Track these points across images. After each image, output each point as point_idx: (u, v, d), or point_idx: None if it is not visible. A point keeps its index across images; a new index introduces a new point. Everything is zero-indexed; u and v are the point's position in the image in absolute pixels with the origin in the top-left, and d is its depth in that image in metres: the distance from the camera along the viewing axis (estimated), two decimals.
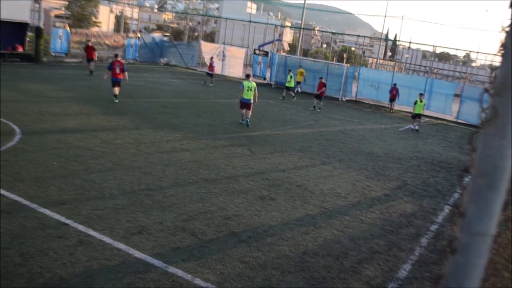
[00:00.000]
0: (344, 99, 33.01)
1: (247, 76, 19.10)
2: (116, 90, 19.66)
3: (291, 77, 29.73)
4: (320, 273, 7.02)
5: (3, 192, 8.50)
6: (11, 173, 9.50)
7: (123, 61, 21.39)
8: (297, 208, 9.72)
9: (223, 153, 13.47)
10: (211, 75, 31.34)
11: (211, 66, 31.59)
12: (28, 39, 31.27)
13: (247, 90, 17.81)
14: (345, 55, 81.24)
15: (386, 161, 15.33)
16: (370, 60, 73.01)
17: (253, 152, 14.02)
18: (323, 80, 26.23)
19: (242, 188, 10.57)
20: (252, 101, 17.97)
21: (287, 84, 29.64)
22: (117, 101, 19.55)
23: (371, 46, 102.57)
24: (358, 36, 62.50)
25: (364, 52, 79.58)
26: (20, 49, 30.22)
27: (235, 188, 10.50)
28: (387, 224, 9.55)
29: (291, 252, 7.60)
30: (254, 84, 18.22)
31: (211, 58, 33.00)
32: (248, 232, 8.16)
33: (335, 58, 68.33)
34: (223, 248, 7.43)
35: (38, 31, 30.75)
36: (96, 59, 29.39)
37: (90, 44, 29.84)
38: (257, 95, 18.22)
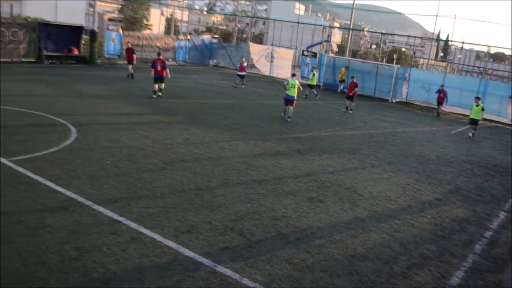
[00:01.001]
0: (394, 101, 32.43)
1: (293, 75, 20.54)
2: (156, 86, 21.16)
3: (313, 75, 29.61)
4: (369, 277, 6.93)
5: (60, 189, 8.83)
6: (68, 171, 9.86)
7: (164, 59, 22.54)
8: (345, 211, 9.63)
9: (271, 154, 13.50)
10: (242, 77, 29.93)
11: (241, 67, 30.05)
12: (83, 42, 32.29)
13: (291, 87, 19.09)
14: (395, 56, 79.80)
15: (438, 164, 14.95)
16: (421, 61, 71.43)
17: (301, 154, 13.98)
18: (355, 80, 25.02)
19: (290, 189, 10.56)
20: (295, 97, 19.26)
21: (309, 82, 29.55)
22: (154, 96, 21.11)
23: (422, 46, 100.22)
24: (409, 36, 61.22)
25: (415, 53, 77.81)
26: (76, 52, 31.26)
27: (283, 189, 10.50)
28: (438, 229, 9.32)
29: (339, 255, 7.54)
30: (297, 82, 19.37)
31: (241, 58, 31.85)
32: (296, 234, 8.15)
33: (384, 59, 67.17)
34: (271, 249, 7.45)
35: (92, 34, 31.75)
36: (135, 61, 28.13)
37: (129, 46, 28.96)
38: (300, 89, 19.54)
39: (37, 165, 10.01)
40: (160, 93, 21.34)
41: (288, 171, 11.96)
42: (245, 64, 30.29)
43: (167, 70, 21.58)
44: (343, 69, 33.16)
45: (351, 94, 24.58)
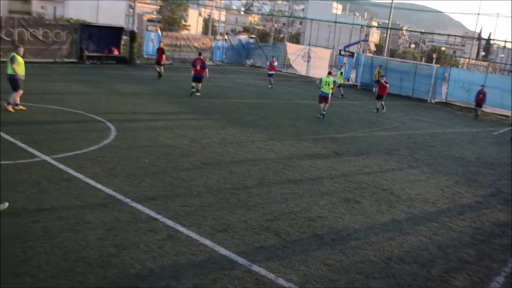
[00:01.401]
0: (433, 101, 31.80)
1: (329, 73, 20.69)
2: (194, 84, 21.72)
3: (341, 73, 29.32)
4: (406, 280, 6.83)
5: (99, 186, 9.04)
6: (107, 169, 10.09)
7: (204, 58, 22.92)
8: (382, 213, 9.51)
9: (307, 154, 13.46)
10: (271, 76, 29.01)
11: (271, 66, 29.27)
12: (123, 42, 32.90)
13: (325, 85, 19.36)
14: (434, 55, 78.28)
15: (478, 166, 14.60)
16: (462, 60, 69.79)
17: (338, 154, 13.89)
18: (385, 80, 24.05)
19: (326, 190, 10.51)
20: (329, 95, 19.49)
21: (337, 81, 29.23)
22: (198, 94, 21.73)
23: (463, 45, 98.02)
24: (449, 35, 60.00)
25: (455, 52, 76.11)
26: (116, 52, 31.89)
27: (319, 189, 10.46)
28: (478, 233, 9.10)
29: (375, 257, 7.46)
30: (332, 79, 19.68)
31: (272, 57, 31.12)
32: (331, 235, 8.11)
33: (423, 59, 66.03)
34: (307, 249, 7.44)
35: (132, 35, 32.32)
36: (163, 62, 27.29)
37: (161, 45, 28.38)
38: (335, 85, 20.26)
39: (78, 162, 10.28)
40: (198, 93, 21.69)
41: (324, 172, 11.90)
42: (275, 63, 29.78)
43: (206, 69, 21.94)
44: (378, 69, 32.44)
45: (381, 94, 23.75)
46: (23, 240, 6.66)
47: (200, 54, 23.05)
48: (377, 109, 23.79)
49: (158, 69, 26.82)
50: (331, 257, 7.25)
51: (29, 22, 27.88)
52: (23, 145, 11.07)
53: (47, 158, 10.38)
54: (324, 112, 19.68)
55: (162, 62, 26.89)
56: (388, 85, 23.90)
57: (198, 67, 21.59)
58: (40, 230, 7.01)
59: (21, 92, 14.69)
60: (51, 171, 9.63)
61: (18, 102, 14.69)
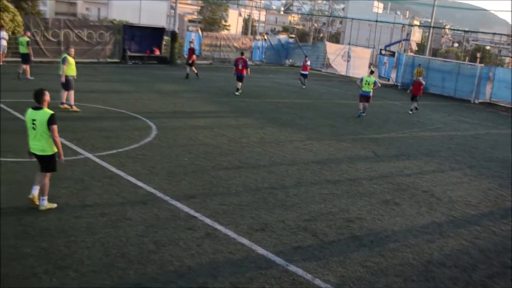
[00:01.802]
0: (476, 102, 30.95)
1: (371, 72, 20.67)
2: (239, 84, 22.11)
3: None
4: (446, 284, 6.71)
5: (140, 184, 9.24)
6: (148, 167, 10.29)
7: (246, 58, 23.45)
8: (422, 215, 9.35)
9: (346, 154, 13.36)
10: (305, 76, 28.37)
11: (304, 66, 28.38)
12: (164, 42, 33.40)
13: (365, 84, 19.42)
14: (478, 55, 76.22)
15: None
16: (507, 59, 67.69)
17: (377, 155, 13.72)
18: (420, 79, 23.09)
19: (365, 191, 10.41)
20: (371, 94, 19.54)
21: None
22: (237, 93, 22.04)
23: (508, 44, 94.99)
24: (494, 34, 58.22)
25: (500, 51, 73.95)
26: (157, 52, 32.41)
27: (358, 190, 10.37)
28: None
29: (414, 260, 7.35)
30: (374, 79, 19.64)
31: (305, 57, 30.01)
32: (370, 236, 8.03)
33: (467, 58, 64.41)
34: (344, 250, 7.39)
35: (173, 35, 32.79)
36: (191, 61, 26.41)
37: (191, 46, 27.87)
38: (375, 86, 19.59)
39: (120, 160, 10.53)
40: (237, 92, 22.02)
41: (363, 173, 11.79)
42: (308, 63, 28.76)
43: (248, 69, 22.45)
44: (417, 69, 31.43)
45: (416, 94, 22.49)
46: (67, 235, 6.88)
47: (242, 53, 23.42)
48: (412, 109, 22.80)
49: (191, 70, 26.40)
50: (369, 259, 7.19)
51: (75, 24, 28.69)
52: (67, 143, 11.41)
53: (90, 155, 10.67)
54: (364, 111, 19.73)
55: (190, 61, 26.52)
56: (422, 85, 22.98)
57: (240, 67, 22.03)
58: (83, 226, 7.22)
59: (72, 92, 15.07)
60: (94, 168, 9.90)
61: (64, 101, 15.16)
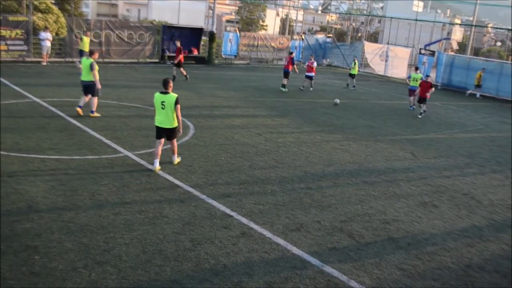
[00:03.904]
0: None
1: (416, 68, 23.76)
2: (285, 80, 23.56)
3: (355, 63, 28.51)
4: None
5: (177, 182, 9.36)
6: (185, 166, 10.42)
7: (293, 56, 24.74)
8: (461, 218, 9.15)
9: (383, 155, 13.19)
10: (310, 78, 25.34)
11: (309, 67, 25.46)
12: (202, 43, 33.70)
13: (413, 80, 21.96)
14: None
15: None
16: None
17: (415, 156, 13.49)
18: (429, 80, 21.12)
19: (402, 192, 10.26)
20: (417, 88, 21.06)
21: (351, 72, 28.53)
22: (284, 90, 23.47)
23: None
24: None
25: None
26: (195, 52, 32.73)
27: (395, 192, 10.23)
28: None
29: (453, 264, 7.20)
30: (420, 75, 22.09)
31: (310, 56, 27.48)
32: (407, 239, 7.91)
33: (510, 57, 62.44)
34: (381, 252, 7.31)
35: (211, 35, 33.04)
36: (176, 62, 23.40)
37: (178, 45, 23.92)
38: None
39: None
40: (282, 88, 23.53)
41: (400, 174, 11.62)
42: (314, 64, 25.60)
43: (294, 66, 24.24)
44: (479, 72, 30.39)
45: (424, 96, 20.50)
46: (106, 231, 7.04)
47: (290, 53, 25.38)
48: (421, 113, 20.48)
49: (178, 71, 23.52)
50: (406, 261, 7.08)
51: (115, 24, 29.26)
52: (107, 141, 11.68)
53: (129, 153, 10.88)
54: (414, 106, 21.46)
55: (176, 62, 23.55)
56: (433, 89, 20.77)
57: (285, 62, 24.14)
58: (121, 223, 7.37)
59: (96, 99, 14.16)
60: (132, 166, 10.09)
61: (82, 105, 14.15)
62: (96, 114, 14.15)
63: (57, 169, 9.51)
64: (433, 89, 20.73)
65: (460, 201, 10.11)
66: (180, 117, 9.90)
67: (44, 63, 24.94)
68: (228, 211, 8.25)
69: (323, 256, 6.97)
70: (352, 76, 28.40)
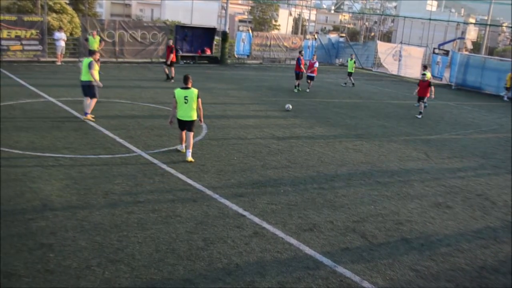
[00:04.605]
0: None
1: (425, 67, 22.73)
2: (297, 82, 23.62)
3: (351, 60, 28.40)
4: None
5: (190, 181, 9.40)
6: (198, 165, 10.46)
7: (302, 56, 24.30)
8: (476, 219, 9.07)
9: (397, 155, 13.12)
10: (312, 79, 24.29)
11: (311, 66, 24.33)
12: (215, 42, 33.77)
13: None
14: None
15: None
16: None
17: (429, 156, 13.40)
18: (426, 78, 20.26)
19: (416, 193, 10.20)
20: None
21: (348, 70, 28.32)
22: (296, 91, 23.32)
23: None
24: None
25: None
26: (208, 52, 32.80)
27: (408, 192, 10.17)
28: None
29: (467, 265, 7.14)
30: (429, 75, 22.03)
31: (313, 55, 26.60)
32: (420, 240, 7.86)
33: None
34: (394, 253, 7.27)
35: (224, 35, 33.09)
36: (169, 62, 22.89)
37: (170, 43, 23.94)
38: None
39: (171, 158, 10.75)
40: (296, 89, 23.45)
41: (414, 174, 11.55)
42: (316, 64, 24.36)
43: (302, 66, 23.72)
44: (509, 74, 29.49)
45: (423, 95, 19.87)
46: (119, 230, 7.09)
47: (300, 52, 24.72)
48: (420, 113, 19.81)
49: (170, 70, 23.10)
50: (419, 262, 7.04)
51: (129, 25, 29.44)
52: (121, 141, 11.75)
53: (142, 153, 10.94)
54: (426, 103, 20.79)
55: (168, 62, 22.97)
56: (432, 87, 19.95)
57: (297, 64, 23.70)
58: (134, 221, 7.42)
59: (95, 100, 13.60)
60: (145, 165, 10.15)
61: (89, 111, 13.57)
62: (89, 117, 13.43)
63: (71, 168, 9.59)
64: (433, 87, 20.01)
65: (475, 202, 10.03)
66: (201, 109, 10.98)
67: (59, 63, 25.17)
68: (240, 210, 8.26)
69: (335, 256, 6.95)
70: (349, 74, 28.26)
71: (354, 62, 28.70)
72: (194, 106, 10.71)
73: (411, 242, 7.72)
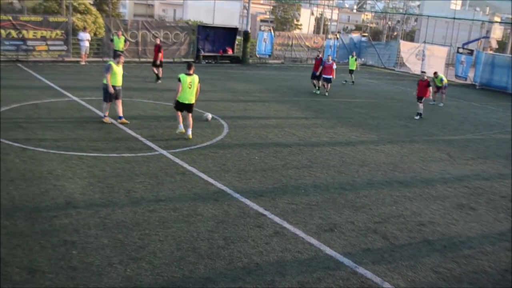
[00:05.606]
0: None
1: (435, 73, 22.99)
2: (315, 82, 23.05)
3: (353, 58, 28.16)
4: None
5: (211, 180, 9.44)
6: (219, 164, 10.50)
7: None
8: (500, 221, 8.92)
9: (419, 156, 12.98)
10: (327, 81, 22.63)
11: (329, 67, 22.51)
12: (236, 42, 33.84)
13: (439, 81, 22.34)
14: None
15: None
16: None
17: (452, 157, 13.23)
18: (425, 78, 19.20)
19: (438, 194, 10.08)
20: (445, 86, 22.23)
21: (349, 67, 28.07)
22: (316, 91, 22.76)
23: None
24: None
25: None
26: (230, 52, 32.89)
27: (431, 193, 10.06)
28: None
29: (490, 268, 7.03)
30: (441, 76, 22.59)
31: (328, 56, 24.87)
32: (443, 241, 7.77)
33: None
34: (415, 255, 7.20)
35: (245, 35, 33.12)
36: (158, 60, 21.54)
37: (158, 42, 22.55)
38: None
39: (192, 157, 10.81)
40: (317, 91, 22.78)
41: (436, 175, 11.41)
42: (334, 66, 22.81)
43: (320, 67, 22.89)
44: None
45: (422, 95, 18.87)
46: (141, 228, 7.16)
47: (317, 55, 24.01)
48: (420, 114, 18.90)
49: (155, 71, 21.83)
50: (441, 264, 6.96)
51: (152, 25, 29.67)
52: (143, 139, 11.87)
53: (164, 152, 11.03)
54: (435, 101, 22.06)
55: (158, 62, 21.65)
56: (431, 88, 19.40)
57: (314, 65, 23.35)
58: (156, 220, 7.49)
59: (109, 105, 13.21)
60: (167, 164, 10.23)
61: (106, 114, 13.35)
62: (124, 121, 13.28)
63: (94, 166, 9.72)
64: (430, 88, 19.23)
65: (499, 203, 9.87)
66: (199, 92, 12.48)
67: (83, 63, 25.51)
68: (261, 210, 8.27)
69: (356, 257, 6.91)
70: (350, 71, 28.03)
71: (356, 60, 28.47)
72: (195, 91, 12.11)
73: (433, 244, 7.64)
